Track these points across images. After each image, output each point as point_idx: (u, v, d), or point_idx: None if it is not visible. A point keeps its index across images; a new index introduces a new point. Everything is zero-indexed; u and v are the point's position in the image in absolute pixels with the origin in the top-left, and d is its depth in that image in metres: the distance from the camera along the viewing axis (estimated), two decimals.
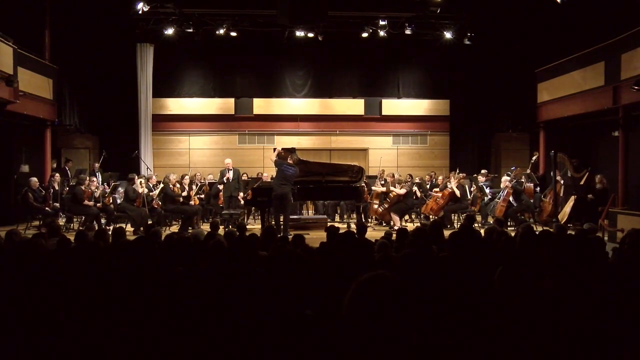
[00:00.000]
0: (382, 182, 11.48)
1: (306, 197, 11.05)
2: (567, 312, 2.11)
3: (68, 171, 12.18)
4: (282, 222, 9.22)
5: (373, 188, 11.13)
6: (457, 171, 11.65)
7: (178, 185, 10.56)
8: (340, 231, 5.70)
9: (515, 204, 10.17)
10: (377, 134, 15.03)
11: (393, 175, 11.38)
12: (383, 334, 1.41)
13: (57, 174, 10.82)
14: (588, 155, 11.76)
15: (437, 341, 1.98)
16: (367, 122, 14.94)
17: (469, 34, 13.30)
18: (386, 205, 10.85)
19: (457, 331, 2.20)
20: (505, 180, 10.45)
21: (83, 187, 9.84)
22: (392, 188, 10.82)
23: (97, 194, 10.02)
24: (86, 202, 9.75)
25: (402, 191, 10.57)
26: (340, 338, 1.54)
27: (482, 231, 6.96)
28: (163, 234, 5.95)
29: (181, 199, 10.33)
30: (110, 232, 5.99)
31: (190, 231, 8.42)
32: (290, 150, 9.59)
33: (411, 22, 12.98)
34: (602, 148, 11.75)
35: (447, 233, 5.09)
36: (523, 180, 11.03)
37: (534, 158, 12.38)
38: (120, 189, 10.93)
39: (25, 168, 11.38)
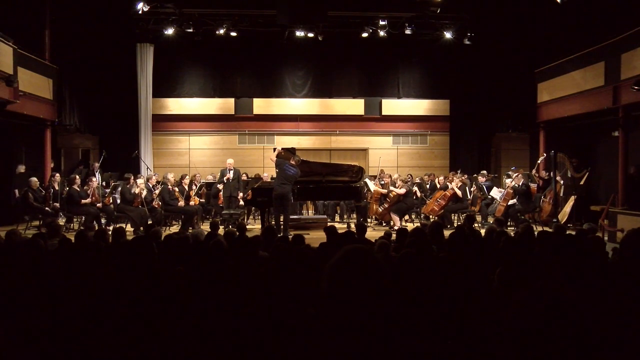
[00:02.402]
0: (382, 183, 11.48)
1: (306, 197, 11.05)
2: (566, 312, 2.11)
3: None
4: (282, 222, 9.23)
5: (372, 189, 11.12)
6: (460, 172, 11.65)
7: (177, 189, 10.57)
8: (340, 231, 5.71)
9: (518, 205, 10.16)
10: (377, 134, 15.03)
11: (390, 177, 11.38)
12: (362, 307, 1.40)
13: (57, 174, 10.81)
14: (588, 155, 11.76)
15: (436, 341, 1.98)
16: (367, 122, 14.94)
17: (469, 34, 13.30)
18: (386, 205, 10.85)
19: (456, 331, 2.21)
20: (517, 177, 10.46)
21: (76, 187, 9.84)
22: (391, 188, 10.82)
23: (89, 192, 9.95)
24: (83, 201, 9.73)
25: (402, 191, 10.56)
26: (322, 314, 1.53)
27: (482, 231, 6.97)
28: (163, 234, 5.95)
29: (181, 202, 10.33)
30: (110, 232, 6.00)
31: (190, 231, 8.42)
32: (291, 151, 9.59)
33: (411, 22, 12.98)
34: (602, 148, 11.75)
35: (447, 233, 5.09)
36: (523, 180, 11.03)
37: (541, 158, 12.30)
38: (121, 189, 10.91)
39: (21, 169, 11.30)
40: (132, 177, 10.36)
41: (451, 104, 14.79)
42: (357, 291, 1.42)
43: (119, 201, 10.57)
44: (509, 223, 10.14)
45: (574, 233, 6.29)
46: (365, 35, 13.30)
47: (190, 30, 12.86)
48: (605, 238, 8.60)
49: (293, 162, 9.14)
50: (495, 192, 11.13)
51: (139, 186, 9.93)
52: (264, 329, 2.07)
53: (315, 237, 7.76)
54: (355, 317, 1.41)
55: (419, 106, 14.90)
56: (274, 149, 9.70)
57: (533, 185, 10.81)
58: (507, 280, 2.54)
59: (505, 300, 2.41)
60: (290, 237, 5.92)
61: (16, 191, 10.18)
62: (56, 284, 3.08)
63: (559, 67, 11.95)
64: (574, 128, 12.51)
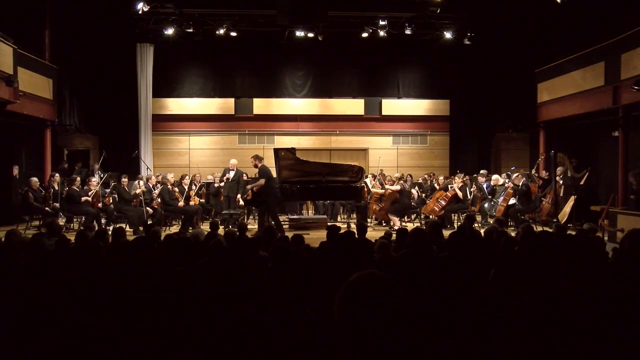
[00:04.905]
0: (379, 182, 11.50)
1: (306, 197, 11.04)
2: (566, 312, 2.11)
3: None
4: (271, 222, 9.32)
5: (373, 190, 11.12)
6: (462, 174, 11.65)
7: (177, 189, 10.57)
8: (340, 231, 5.70)
9: (518, 205, 10.16)
10: (377, 134, 15.03)
11: (382, 172, 11.43)
12: (375, 334, 1.35)
13: (57, 174, 10.81)
14: (588, 155, 11.76)
15: (436, 341, 1.98)
16: (367, 122, 14.94)
17: (469, 34, 13.30)
18: (382, 205, 10.87)
19: (455, 331, 2.20)
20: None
21: (76, 187, 9.84)
22: (387, 186, 10.87)
23: (90, 194, 9.96)
24: (83, 198, 9.72)
25: (396, 187, 10.60)
26: (335, 339, 1.49)
27: (482, 231, 6.97)
28: (163, 234, 5.96)
29: (181, 202, 10.33)
30: (110, 232, 6.00)
31: (190, 231, 8.41)
32: (291, 151, 9.62)
33: (411, 22, 12.98)
34: (602, 148, 11.74)
35: (447, 233, 5.09)
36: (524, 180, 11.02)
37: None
38: (117, 190, 10.90)
39: (15, 170, 11.21)
40: (127, 179, 10.33)
41: (451, 104, 14.80)
42: (372, 321, 1.37)
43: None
44: (509, 223, 10.14)
45: (574, 233, 6.28)
46: (365, 35, 13.30)
47: (190, 30, 12.86)
48: (605, 238, 8.59)
49: (258, 163, 9.25)
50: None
51: (140, 187, 9.94)
52: (264, 330, 2.07)
53: (315, 237, 7.77)
54: (370, 343, 1.37)
55: (419, 106, 14.90)
56: (274, 150, 9.72)
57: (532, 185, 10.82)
58: (501, 281, 2.53)
59: (503, 301, 2.41)
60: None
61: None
62: (56, 284, 3.08)
63: (559, 67, 11.95)
64: (574, 128, 12.50)
